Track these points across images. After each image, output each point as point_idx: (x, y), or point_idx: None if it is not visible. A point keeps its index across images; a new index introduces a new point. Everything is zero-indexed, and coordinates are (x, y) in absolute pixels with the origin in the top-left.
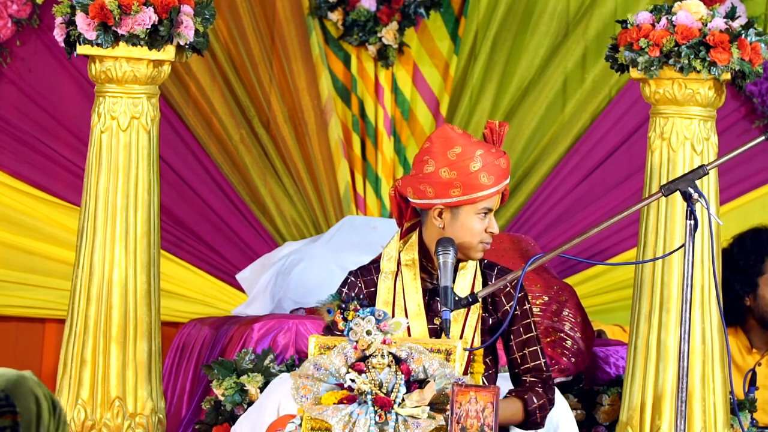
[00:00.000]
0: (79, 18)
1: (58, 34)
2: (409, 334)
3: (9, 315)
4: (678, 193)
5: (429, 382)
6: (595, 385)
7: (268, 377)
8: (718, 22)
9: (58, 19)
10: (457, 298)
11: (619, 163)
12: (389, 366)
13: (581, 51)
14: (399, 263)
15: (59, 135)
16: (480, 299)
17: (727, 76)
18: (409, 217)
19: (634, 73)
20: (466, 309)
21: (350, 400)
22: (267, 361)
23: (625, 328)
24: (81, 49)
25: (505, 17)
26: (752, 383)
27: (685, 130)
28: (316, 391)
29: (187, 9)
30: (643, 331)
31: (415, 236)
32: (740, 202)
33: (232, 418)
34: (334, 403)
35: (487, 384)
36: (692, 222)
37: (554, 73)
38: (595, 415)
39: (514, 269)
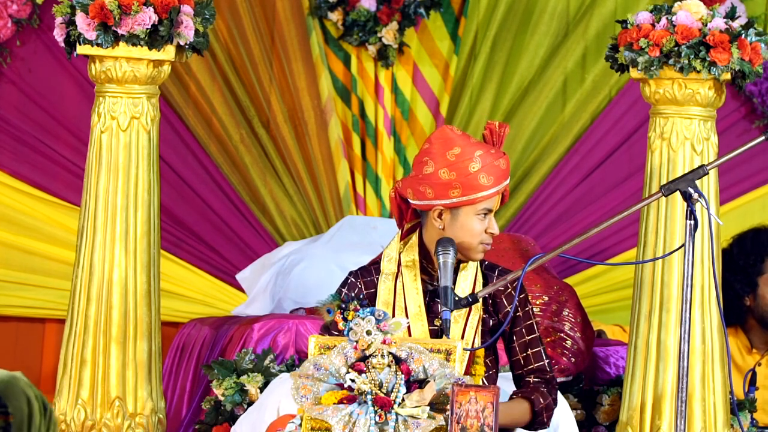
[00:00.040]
0: (79, 18)
1: (58, 34)
2: (410, 336)
3: (9, 315)
4: (678, 193)
5: (429, 382)
6: (595, 385)
7: (268, 377)
8: (718, 22)
9: (58, 19)
10: (457, 299)
11: (619, 163)
12: (389, 366)
13: (581, 51)
14: (399, 264)
15: (59, 135)
16: (480, 299)
17: (727, 76)
18: (410, 218)
19: (634, 73)
20: (467, 310)
21: (350, 400)
22: (267, 361)
23: (625, 328)
24: (81, 49)
25: (505, 17)
26: (752, 383)
27: (685, 130)
28: (316, 391)
29: (187, 9)
30: (643, 331)
31: (415, 237)
32: (740, 202)
33: (232, 418)
34: (334, 403)
35: (487, 384)
36: (692, 222)
37: (554, 73)
38: (595, 415)
39: (514, 269)
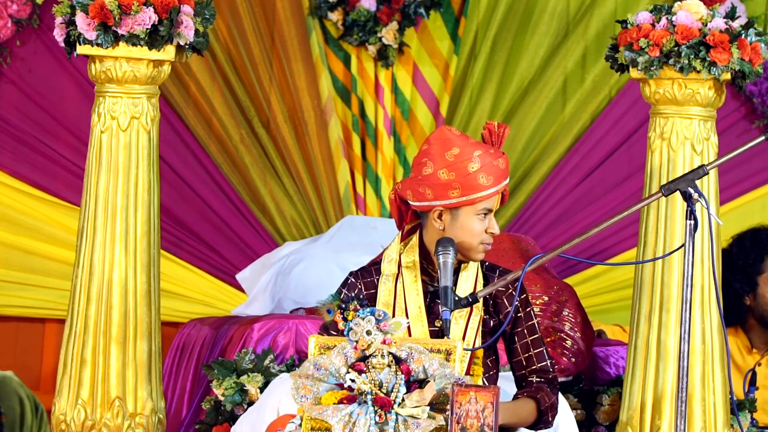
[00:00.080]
0: (79, 18)
1: (58, 34)
2: (410, 335)
3: (9, 315)
4: (678, 193)
5: (429, 382)
6: (595, 385)
7: (268, 377)
8: (718, 22)
9: (58, 19)
10: (457, 298)
11: (619, 163)
12: (389, 366)
13: (581, 51)
14: (400, 265)
15: (59, 135)
16: (479, 299)
17: (727, 76)
18: (410, 219)
19: (634, 73)
20: (468, 311)
21: (350, 400)
22: (267, 361)
23: (625, 328)
24: (81, 49)
25: (505, 17)
26: (752, 383)
27: (685, 130)
28: (316, 391)
29: (187, 9)
30: (643, 331)
31: (415, 238)
32: (740, 202)
33: (232, 418)
34: (334, 403)
35: (487, 384)
36: (692, 222)
37: (554, 73)
38: (595, 415)
39: (514, 269)
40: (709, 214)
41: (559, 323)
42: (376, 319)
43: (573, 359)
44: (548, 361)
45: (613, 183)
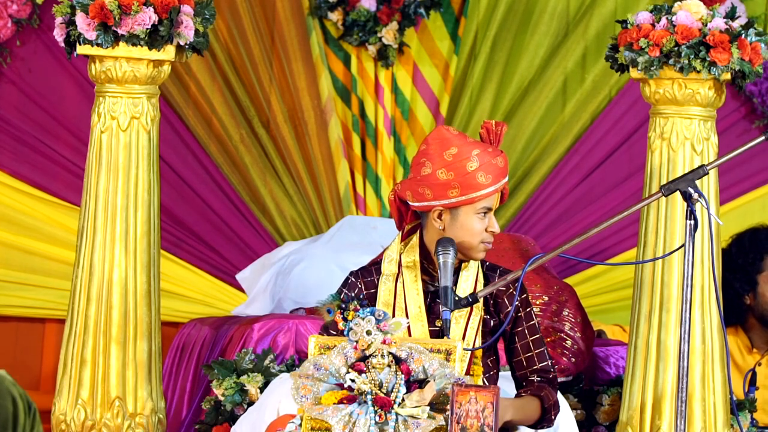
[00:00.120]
0: (79, 18)
1: (58, 34)
2: (410, 337)
3: (9, 315)
4: (678, 193)
5: (429, 382)
6: (595, 385)
7: (268, 377)
8: (718, 22)
9: (58, 19)
10: (457, 298)
11: (619, 163)
12: (389, 366)
13: (581, 51)
14: (400, 265)
15: (59, 135)
16: (480, 299)
17: (727, 76)
18: (410, 219)
19: (634, 73)
20: (468, 311)
21: (350, 400)
22: (267, 361)
23: (625, 328)
24: (81, 49)
25: (505, 17)
26: (752, 383)
27: (685, 130)
28: (316, 391)
29: (187, 9)
30: (643, 331)
31: (416, 238)
32: (740, 202)
33: (232, 418)
34: (334, 403)
35: (487, 384)
36: (692, 222)
37: (554, 73)
38: (595, 415)
39: (514, 269)
40: (709, 214)
41: (559, 323)
42: (376, 319)
43: (573, 359)
44: (549, 361)
45: (613, 183)
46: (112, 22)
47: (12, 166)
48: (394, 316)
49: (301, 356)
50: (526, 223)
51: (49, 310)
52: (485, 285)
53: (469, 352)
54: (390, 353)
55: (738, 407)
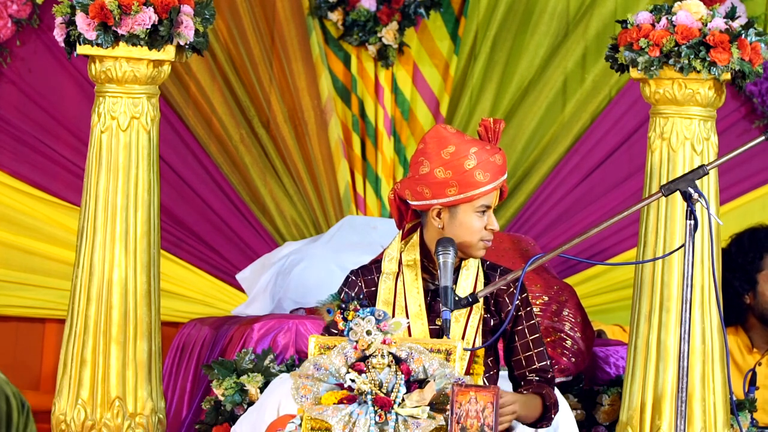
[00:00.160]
0: (79, 18)
1: (58, 34)
2: (410, 335)
3: (9, 315)
4: (678, 193)
5: (429, 382)
6: (595, 385)
7: (268, 377)
8: (718, 22)
9: (58, 19)
10: (457, 298)
11: (619, 163)
12: (389, 366)
13: (581, 51)
14: (400, 264)
15: (59, 135)
16: (480, 299)
17: (727, 76)
18: (410, 218)
19: (634, 73)
20: (468, 310)
21: (350, 400)
22: (267, 361)
23: (625, 328)
24: (81, 49)
25: (505, 17)
26: (752, 383)
27: (685, 130)
28: (316, 391)
29: (187, 9)
30: (643, 331)
31: (416, 237)
32: (740, 202)
33: (232, 418)
34: (334, 403)
35: (487, 384)
36: (692, 222)
37: (554, 73)
38: (595, 415)
39: (515, 269)
40: (709, 214)
41: (559, 323)
42: (376, 319)
43: (573, 359)
44: (548, 361)
45: (613, 183)
46: (112, 22)
47: (12, 166)
48: (394, 314)
49: (301, 356)
50: (526, 223)
51: (49, 310)
52: (485, 284)
53: (469, 352)
54: (390, 353)
55: (738, 407)
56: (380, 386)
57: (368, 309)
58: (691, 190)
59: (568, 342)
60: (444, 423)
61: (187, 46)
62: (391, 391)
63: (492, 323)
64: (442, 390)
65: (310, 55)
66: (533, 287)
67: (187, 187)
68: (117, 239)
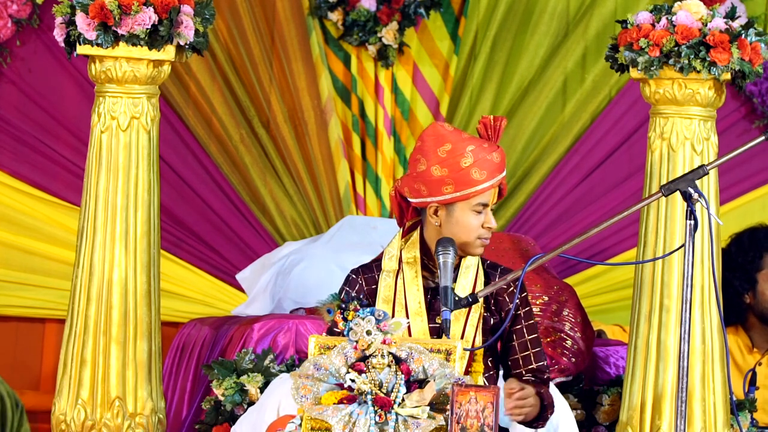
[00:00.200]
0: (79, 18)
1: (58, 34)
2: (410, 332)
3: (9, 315)
4: (678, 193)
5: (429, 382)
6: (595, 385)
7: (268, 377)
8: (718, 22)
9: (58, 19)
10: (457, 298)
11: (619, 163)
12: (389, 366)
13: (581, 51)
14: (401, 261)
15: (59, 135)
16: (480, 299)
17: (727, 76)
18: (410, 216)
19: (634, 73)
20: (468, 309)
21: (350, 400)
22: (267, 361)
23: (625, 328)
24: (81, 49)
25: (505, 17)
26: (752, 383)
27: (685, 130)
28: (316, 391)
29: (187, 9)
30: (643, 331)
31: (416, 235)
32: (740, 202)
33: (232, 418)
34: (334, 403)
35: (487, 384)
36: (692, 222)
37: (554, 73)
38: (595, 415)
39: (515, 269)
40: (709, 214)
41: (559, 323)
42: (376, 319)
43: (573, 359)
44: (544, 362)
45: (613, 183)
46: (112, 22)
47: (12, 166)
48: (394, 311)
49: (301, 356)
50: (526, 223)
51: (49, 310)
52: (485, 283)
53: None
54: (390, 353)
55: (738, 407)
56: (380, 386)
57: (368, 309)
58: (691, 190)
59: (568, 342)
60: (444, 423)
61: (187, 46)
62: (391, 391)
63: (492, 322)
64: (442, 390)
65: (310, 55)
66: (533, 287)
67: (187, 187)
68: (117, 239)
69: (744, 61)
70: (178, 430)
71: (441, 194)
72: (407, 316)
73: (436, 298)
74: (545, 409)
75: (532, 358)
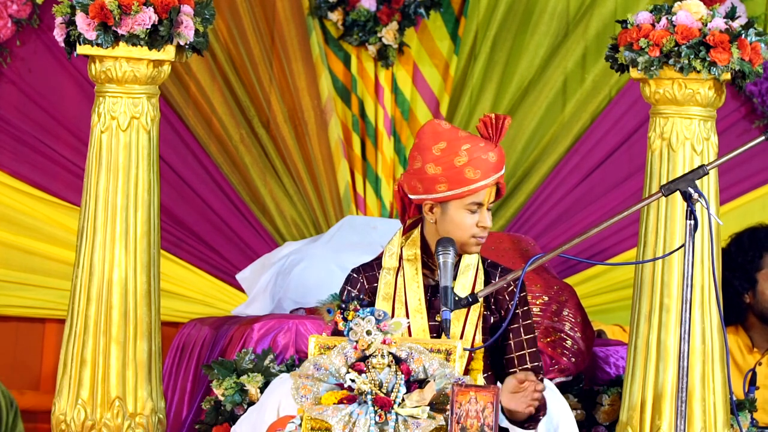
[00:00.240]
0: (79, 18)
1: (58, 34)
2: (410, 329)
3: (9, 315)
4: (678, 193)
5: (429, 382)
6: (595, 385)
7: (268, 377)
8: (718, 22)
9: (58, 19)
10: (457, 298)
11: (619, 163)
12: (389, 366)
13: (581, 51)
14: (401, 258)
15: (59, 135)
16: (480, 299)
17: (727, 76)
18: (413, 213)
19: (634, 73)
20: (467, 307)
21: (350, 400)
22: (267, 361)
23: (625, 328)
24: (81, 49)
25: (505, 17)
26: (752, 383)
27: (685, 130)
28: (316, 391)
29: (187, 9)
30: (643, 331)
31: (417, 232)
32: (740, 202)
33: (232, 418)
34: (334, 403)
35: (486, 384)
36: (692, 222)
37: (554, 73)
38: (595, 415)
39: (515, 269)
40: (709, 214)
41: (559, 323)
42: (376, 319)
43: (573, 359)
44: (539, 363)
45: (613, 183)
46: (112, 22)
47: (12, 166)
48: (394, 308)
49: (301, 356)
50: (526, 223)
51: (49, 310)
52: (486, 282)
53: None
54: (390, 353)
55: (738, 407)
56: (380, 386)
57: (368, 309)
58: (691, 190)
59: (568, 342)
60: (444, 423)
61: (187, 46)
62: (391, 391)
63: (492, 320)
64: (442, 390)
65: (310, 55)
66: (533, 287)
67: (187, 187)
68: (117, 239)
69: (744, 61)
70: (178, 430)
71: (435, 192)
72: (407, 313)
73: (436, 296)
74: (537, 411)
75: (527, 358)
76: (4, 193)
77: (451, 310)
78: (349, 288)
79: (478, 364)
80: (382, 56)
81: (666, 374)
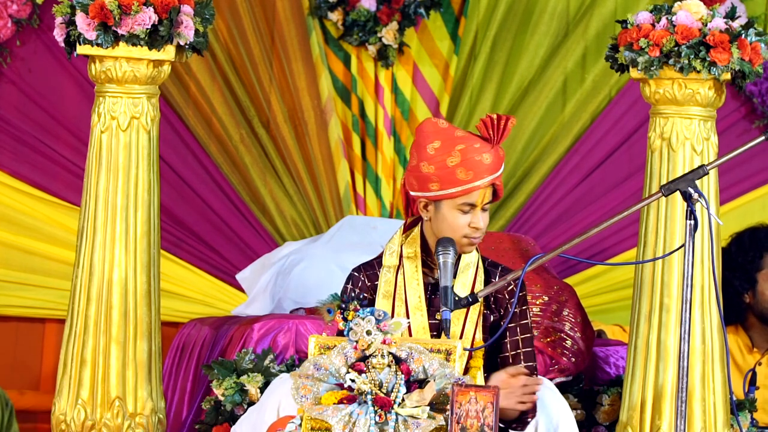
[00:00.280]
0: (79, 18)
1: (58, 34)
2: (410, 327)
3: (9, 315)
4: (678, 193)
5: (429, 382)
6: (595, 385)
7: (268, 377)
8: (718, 22)
9: (58, 19)
10: (457, 298)
11: (619, 163)
12: (389, 366)
13: (581, 51)
14: (401, 256)
15: (59, 135)
16: (480, 299)
17: (727, 76)
18: (416, 209)
19: (634, 73)
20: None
21: (350, 400)
22: (267, 361)
23: (625, 328)
24: (81, 49)
25: (505, 17)
26: (752, 383)
27: (685, 130)
28: (316, 391)
29: (187, 9)
30: (643, 331)
31: (417, 230)
32: (740, 202)
33: (232, 418)
34: (334, 403)
35: (487, 384)
36: (692, 222)
37: (554, 73)
38: (595, 415)
39: (515, 269)
40: (709, 214)
41: (559, 323)
42: (376, 319)
43: (573, 359)
44: (534, 363)
45: (613, 183)
46: (112, 22)
47: (12, 166)
48: (394, 306)
49: (301, 356)
50: (526, 223)
51: (49, 310)
52: (486, 281)
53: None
54: (390, 353)
55: (738, 407)
56: (380, 386)
57: (368, 309)
58: (691, 190)
59: (568, 342)
60: (444, 423)
61: (187, 46)
62: (391, 391)
63: (491, 319)
64: (442, 390)
65: (310, 55)
66: (533, 287)
67: (187, 187)
68: (117, 239)
69: (744, 61)
70: (178, 430)
71: (428, 191)
72: (407, 311)
73: (436, 294)
74: (526, 412)
75: (522, 358)
76: (4, 193)
77: (451, 310)
78: (351, 286)
79: (478, 362)
80: (382, 56)
81: (666, 374)
